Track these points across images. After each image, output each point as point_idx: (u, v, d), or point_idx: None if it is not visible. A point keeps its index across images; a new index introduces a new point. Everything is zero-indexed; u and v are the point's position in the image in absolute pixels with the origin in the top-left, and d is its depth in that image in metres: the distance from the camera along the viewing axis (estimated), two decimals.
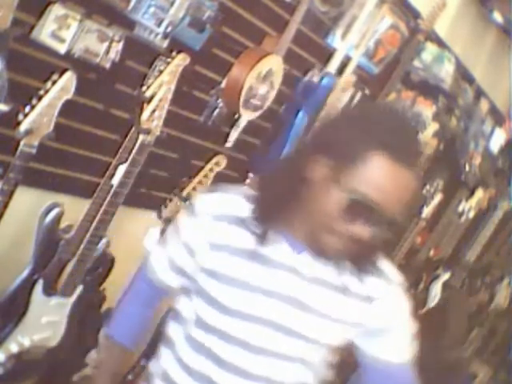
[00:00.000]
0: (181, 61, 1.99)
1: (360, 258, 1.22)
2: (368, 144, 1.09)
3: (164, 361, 1.38)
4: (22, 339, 2.02)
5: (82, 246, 2.03)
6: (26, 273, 1.99)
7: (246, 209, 1.24)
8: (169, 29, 2.03)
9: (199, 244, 1.28)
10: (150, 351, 2.65)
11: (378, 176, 1.08)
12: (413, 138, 1.18)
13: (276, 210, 1.22)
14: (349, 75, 2.84)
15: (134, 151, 1.99)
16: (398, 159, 1.08)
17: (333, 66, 2.77)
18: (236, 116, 2.45)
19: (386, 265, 1.30)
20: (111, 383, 1.47)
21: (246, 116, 2.42)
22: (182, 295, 1.37)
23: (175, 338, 1.36)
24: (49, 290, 2.02)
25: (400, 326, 1.34)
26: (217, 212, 1.26)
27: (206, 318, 1.28)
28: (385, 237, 1.14)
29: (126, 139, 2.06)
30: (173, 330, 1.38)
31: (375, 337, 1.33)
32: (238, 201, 1.27)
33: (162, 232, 2.38)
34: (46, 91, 1.69)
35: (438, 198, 3.75)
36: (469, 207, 4.41)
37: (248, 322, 1.24)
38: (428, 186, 3.72)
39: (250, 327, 1.24)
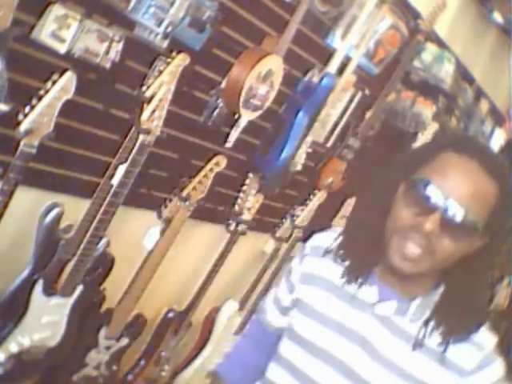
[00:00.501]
0: (181, 61, 1.99)
1: (452, 307, 1.14)
2: (437, 147, 1.13)
3: None
4: (22, 339, 2.02)
5: (81, 246, 2.03)
6: (25, 273, 1.99)
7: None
8: (169, 29, 2.03)
9: (295, 276, 1.32)
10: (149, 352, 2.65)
11: (440, 165, 1.09)
12: (475, 139, 1.17)
13: (364, 242, 1.21)
14: (349, 75, 2.84)
15: (133, 151, 1.99)
16: (460, 151, 1.09)
17: (333, 66, 2.77)
18: (236, 116, 2.45)
19: (480, 333, 1.16)
20: None
21: (246, 116, 2.42)
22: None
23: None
24: (49, 290, 2.02)
25: None
26: (315, 246, 1.30)
27: (282, 352, 1.29)
28: (461, 241, 1.08)
29: (126, 139, 2.06)
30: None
31: None
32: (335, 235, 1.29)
33: (162, 232, 2.38)
34: (46, 91, 1.69)
35: None
36: None
37: (318, 358, 1.20)
38: None
39: (320, 364, 1.20)
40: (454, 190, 1.05)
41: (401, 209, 1.10)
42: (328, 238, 1.29)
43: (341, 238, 1.26)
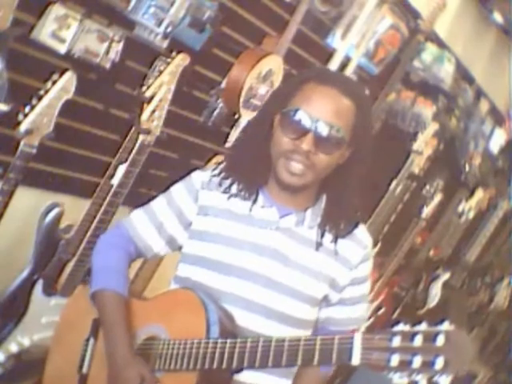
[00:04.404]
0: (181, 61, 1.99)
1: (335, 208, 1.37)
2: (300, 81, 1.34)
3: None
4: (22, 339, 2.02)
5: (81, 246, 2.03)
6: (25, 273, 1.99)
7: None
8: (169, 29, 2.03)
9: (190, 210, 1.41)
10: None
11: (305, 95, 1.30)
12: (331, 70, 1.52)
13: (248, 165, 1.37)
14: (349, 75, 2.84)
15: (133, 151, 1.99)
16: (320, 81, 1.31)
17: (333, 66, 2.77)
18: (236, 116, 2.45)
19: (359, 229, 1.42)
20: (129, 338, 1.31)
21: (246, 116, 2.42)
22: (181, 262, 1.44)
23: None
24: (49, 290, 2.02)
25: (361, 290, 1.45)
26: (205, 180, 1.41)
27: (200, 279, 1.36)
28: (333, 153, 1.28)
29: (126, 139, 2.06)
30: None
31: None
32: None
33: None
34: (46, 91, 1.69)
35: (437, 197, 3.75)
36: (469, 207, 4.41)
37: (232, 276, 1.34)
38: (428, 186, 3.72)
39: (234, 279, 1.33)
40: (319, 113, 1.26)
41: (279, 136, 1.30)
42: (212, 171, 1.43)
43: (225, 164, 1.42)
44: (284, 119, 1.30)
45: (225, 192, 1.38)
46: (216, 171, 1.41)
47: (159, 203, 1.47)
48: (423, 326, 1.00)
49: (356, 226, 1.40)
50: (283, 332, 1.33)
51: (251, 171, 1.38)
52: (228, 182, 1.39)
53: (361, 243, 1.41)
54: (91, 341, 1.40)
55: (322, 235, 1.37)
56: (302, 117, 1.27)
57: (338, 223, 1.37)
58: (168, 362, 1.27)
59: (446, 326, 0.98)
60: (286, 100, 1.32)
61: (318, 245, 1.36)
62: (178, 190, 1.45)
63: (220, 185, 1.39)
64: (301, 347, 1.13)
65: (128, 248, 1.45)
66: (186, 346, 1.24)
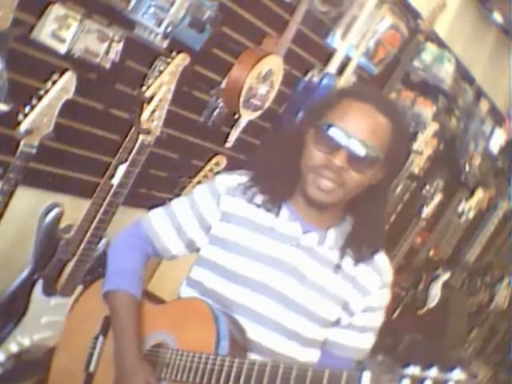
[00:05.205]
0: (181, 61, 1.99)
1: (360, 230, 1.33)
2: (337, 96, 1.33)
3: None
4: (22, 339, 2.02)
5: (81, 246, 2.03)
6: (25, 273, 1.99)
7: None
8: (169, 29, 2.03)
9: (212, 215, 1.38)
10: None
11: (341, 110, 1.27)
12: (367, 88, 1.50)
13: (275, 177, 1.35)
14: (349, 75, 2.84)
15: (133, 151, 1.99)
16: (356, 97, 1.29)
17: (333, 66, 2.77)
18: (236, 116, 2.45)
19: (379, 255, 1.38)
20: (138, 342, 1.31)
21: (246, 116, 2.42)
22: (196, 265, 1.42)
23: None
24: (49, 290, 2.02)
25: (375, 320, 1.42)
26: (230, 186, 1.38)
27: (213, 287, 1.34)
28: (365, 172, 1.25)
29: (126, 139, 2.06)
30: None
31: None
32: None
33: None
34: (46, 91, 1.69)
35: (438, 197, 3.75)
36: (469, 207, 4.42)
37: (246, 287, 1.32)
38: (428, 186, 3.72)
39: (247, 291, 1.32)
40: (354, 130, 1.23)
41: (312, 150, 1.27)
42: (238, 177, 1.41)
43: (252, 174, 1.40)
44: (318, 133, 1.27)
45: (249, 202, 1.36)
46: (242, 179, 1.39)
47: (181, 205, 1.44)
48: (434, 372, 0.97)
49: (377, 251, 1.37)
50: (292, 349, 1.33)
51: (278, 183, 1.35)
52: (253, 191, 1.36)
53: (379, 270, 1.37)
54: (100, 338, 1.39)
55: (342, 258, 1.34)
56: (336, 133, 1.24)
57: (360, 247, 1.34)
58: (175, 373, 1.26)
59: (457, 374, 0.96)
60: (320, 115, 1.30)
61: (337, 267, 1.34)
62: (200, 193, 1.43)
63: (244, 193, 1.37)
64: (308, 378, 1.10)
65: (145, 249, 1.44)
66: (194, 359, 1.23)
